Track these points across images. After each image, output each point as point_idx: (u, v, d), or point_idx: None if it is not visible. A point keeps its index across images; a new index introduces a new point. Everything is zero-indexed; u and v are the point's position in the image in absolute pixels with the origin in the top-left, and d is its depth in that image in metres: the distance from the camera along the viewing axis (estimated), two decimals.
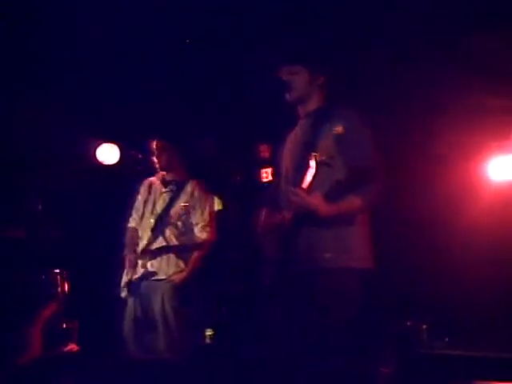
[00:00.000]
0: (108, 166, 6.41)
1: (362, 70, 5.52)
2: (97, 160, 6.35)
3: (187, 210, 5.11)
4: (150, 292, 5.02)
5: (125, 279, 5.04)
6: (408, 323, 5.75)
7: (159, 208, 5.15)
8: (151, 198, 5.24)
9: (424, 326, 5.64)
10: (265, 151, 5.63)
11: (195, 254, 5.06)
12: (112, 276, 5.14)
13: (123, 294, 5.01)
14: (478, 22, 4.98)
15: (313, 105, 3.70)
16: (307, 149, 3.47)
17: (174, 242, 5.08)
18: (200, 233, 5.11)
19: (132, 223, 5.30)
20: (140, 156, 6.38)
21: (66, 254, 5.16)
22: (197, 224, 5.11)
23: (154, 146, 5.24)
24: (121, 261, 5.16)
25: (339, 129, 3.32)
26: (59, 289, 2.30)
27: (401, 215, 5.89)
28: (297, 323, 3.39)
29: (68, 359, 2.27)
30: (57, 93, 5.78)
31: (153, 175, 5.40)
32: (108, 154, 6.38)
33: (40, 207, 4.57)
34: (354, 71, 5.37)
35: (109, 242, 5.42)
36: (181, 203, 5.11)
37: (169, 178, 5.27)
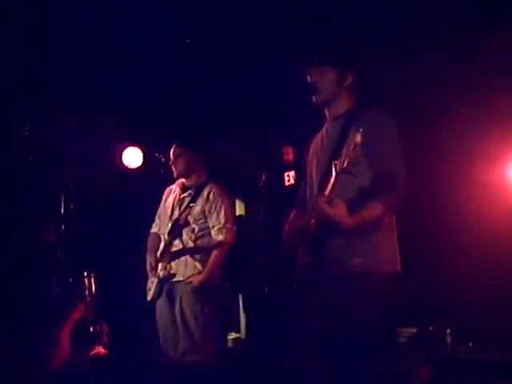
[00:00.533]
0: (132, 169, 6.47)
1: (386, 69, 5.50)
2: (122, 163, 6.41)
3: (204, 214, 5.16)
4: (170, 294, 5.14)
5: (149, 284, 5.20)
6: (430, 328, 5.74)
7: (177, 212, 5.23)
8: (171, 203, 5.32)
9: (448, 331, 5.63)
10: (288, 154, 5.61)
11: (212, 256, 5.11)
12: (139, 279, 5.22)
13: (149, 298, 5.18)
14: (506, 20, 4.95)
15: (341, 108, 3.60)
16: (333, 154, 3.44)
17: (191, 245, 5.15)
18: (216, 235, 5.16)
19: (154, 229, 5.43)
20: (163, 159, 6.43)
21: (93, 256, 5.25)
22: (213, 227, 5.16)
23: (171, 153, 5.34)
24: (144, 265, 5.26)
25: (363, 134, 3.24)
26: (87, 291, 2.32)
27: (423, 219, 5.88)
28: (324, 327, 3.36)
29: (95, 363, 2.28)
30: (85, 97, 5.83)
31: (175, 180, 5.46)
32: (132, 157, 6.44)
33: (72, 209, 4.63)
34: (377, 71, 5.36)
35: (135, 245, 5.49)
36: (197, 207, 5.17)
37: (188, 183, 5.34)
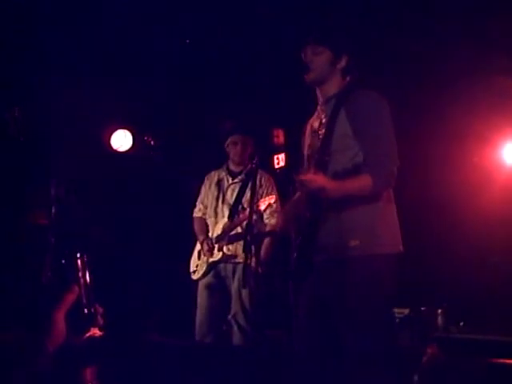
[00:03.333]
0: (122, 151, 6.43)
1: (383, 47, 5.48)
2: (111, 146, 6.38)
3: (257, 199, 5.26)
4: (227, 274, 5.39)
5: (196, 262, 5.48)
6: (422, 308, 5.78)
7: (230, 198, 5.49)
8: (218, 189, 5.58)
9: (439, 311, 5.66)
10: (278, 136, 5.60)
11: (267, 240, 5.34)
12: (132, 260, 5.25)
13: (195, 277, 5.44)
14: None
15: (332, 89, 3.53)
16: (323, 138, 3.44)
17: None
18: (268, 219, 5.40)
19: (198, 213, 5.70)
20: (152, 142, 6.42)
21: (86, 238, 5.25)
22: (265, 211, 5.33)
23: (239, 141, 5.52)
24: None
25: (351, 115, 3.30)
26: (81, 273, 2.30)
27: (416, 200, 5.87)
28: (322, 311, 3.33)
29: (90, 345, 2.27)
30: (79, 79, 5.79)
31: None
32: (122, 140, 6.40)
33: (63, 193, 4.62)
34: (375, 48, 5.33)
35: (127, 226, 5.52)
36: (250, 192, 5.28)
37: (237, 169, 5.59)
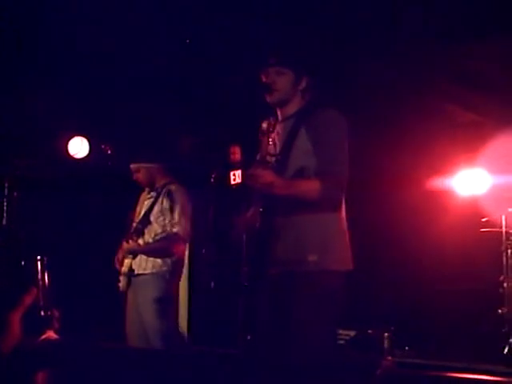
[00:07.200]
0: (79, 159, 6.38)
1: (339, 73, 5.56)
2: (68, 153, 6.32)
3: (162, 212, 5.35)
4: (133, 287, 5.35)
5: (121, 276, 5.46)
6: (369, 331, 5.84)
7: (142, 213, 5.46)
8: (137, 202, 5.59)
9: (386, 334, 5.72)
10: (235, 153, 5.64)
11: (159, 243, 5.33)
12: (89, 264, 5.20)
13: (120, 289, 5.41)
14: (455, 33, 5.04)
15: (292, 109, 3.66)
16: (281, 155, 3.52)
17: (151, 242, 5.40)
18: (170, 229, 5.31)
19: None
20: (109, 151, 6.39)
21: (44, 241, 5.21)
22: (169, 221, 5.32)
23: (131, 169, 5.51)
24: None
25: (311, 131, 3.39)
26: (39, 275, 2.29)
27: (367, 225, 5.94)
28: (274, 323, 3.38)
29: (45, 348, 2.25)
30: (35, 84, 5.72)
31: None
32: (79, 147, 6.35)
33: (14, 198, 4.55)
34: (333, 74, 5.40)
35: (86, 233, 5.48)
36: (156, 206, 5.38)
37: (151, 187, 5.55)
